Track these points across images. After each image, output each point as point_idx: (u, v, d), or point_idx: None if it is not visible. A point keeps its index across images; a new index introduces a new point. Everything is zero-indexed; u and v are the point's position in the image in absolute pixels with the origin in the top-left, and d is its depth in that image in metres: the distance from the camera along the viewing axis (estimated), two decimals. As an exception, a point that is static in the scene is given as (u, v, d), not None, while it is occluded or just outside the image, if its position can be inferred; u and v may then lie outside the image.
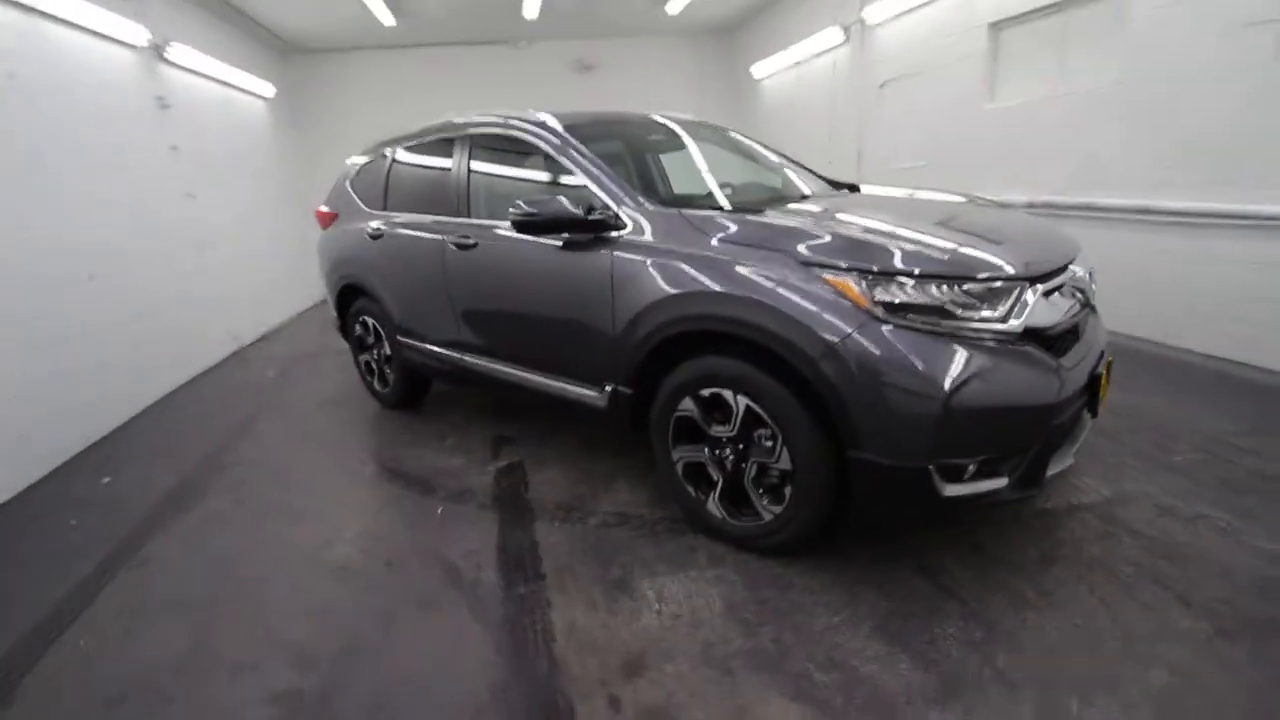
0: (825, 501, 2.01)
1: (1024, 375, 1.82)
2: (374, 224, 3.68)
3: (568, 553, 2.37)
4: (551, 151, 2.71)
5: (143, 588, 2.41)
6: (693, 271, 2.12)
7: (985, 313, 1.83)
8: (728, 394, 2.11)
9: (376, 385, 4.09)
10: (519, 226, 2.51)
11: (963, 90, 5.39)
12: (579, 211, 2.39)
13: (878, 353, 1.78)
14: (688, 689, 1.71)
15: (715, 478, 2.26)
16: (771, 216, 2.25)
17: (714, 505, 2.29)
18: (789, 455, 2.01)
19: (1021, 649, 1.76)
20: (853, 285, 1.84)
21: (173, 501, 3.06)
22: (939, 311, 1.81)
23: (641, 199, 2.42)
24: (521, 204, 2.45)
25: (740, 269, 2.02)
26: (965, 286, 1.83)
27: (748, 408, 2.07)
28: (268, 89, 7.39)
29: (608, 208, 2.43)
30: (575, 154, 2.63)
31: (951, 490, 1.82)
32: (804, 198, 2.80)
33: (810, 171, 3.40)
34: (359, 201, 3.93)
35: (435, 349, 3.41)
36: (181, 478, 3.32)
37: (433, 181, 3.40)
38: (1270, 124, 3.35)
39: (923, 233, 2.01)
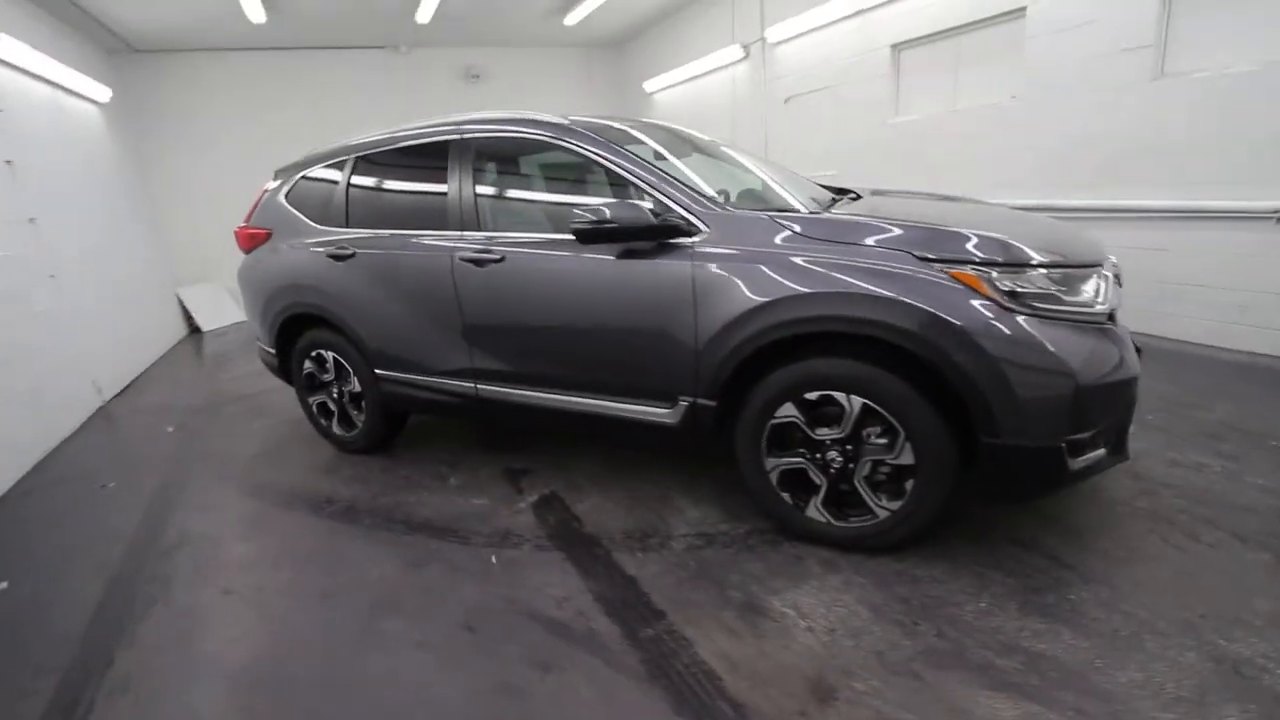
0: (949, 491, 2.05)
1: (1116, 352, 1.99)
2: (335, 243, 3.20)
3: (672, 584, 2.20)
4: (594, 155, 2.52)
5: (142, 713, 1.86)
6: (806, 273, 2.08)
7: (1083, 297, 1.98)
8: (840, 395, 2.09)
9: (337, 429, 3.54)
10: (584, 236, 2.31)
11: (869, 104, 5.90)
12: (650, 217, 2.26)
13: (1012, 340, 1.86)
14: (892, 702, 1.65)
15: (818, 482, 2.23)
16: (867, 215, 2.26)
17: (816, 510, 2.25)
18: (912, 450, 2.03)
19: (1146, 600, 1.92)
20: (977, 278, 1.91)
21: (119, 602, 2.41)
22: (1051, 298, 1.93)
23: (714, 202, 2.33)
24: (587, 211, 2.26)
25: (859, 269, 2.01)
26: (1066, 273, 1.97)
27: (864, 406, 2.07)
28: (102, 93, 6.20)
29: (672, 211, 2.32)
30: (624, 157, 2.47)
31: (1077, 464, 1.94)
32: (834, 201, 2.86)
33: (803, 179, 3.50)
34: (305, 218, 3.40)
35: (435, 380, 3.03)
36: (113, 571, 2.62)
37: (422, 192, 3.04)
38: (1146, 132, 4.03)
39: (1006, 227, 2.15)
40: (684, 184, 2.39)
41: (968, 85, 5.12)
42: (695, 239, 2.28)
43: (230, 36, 7.12)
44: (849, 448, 2.15)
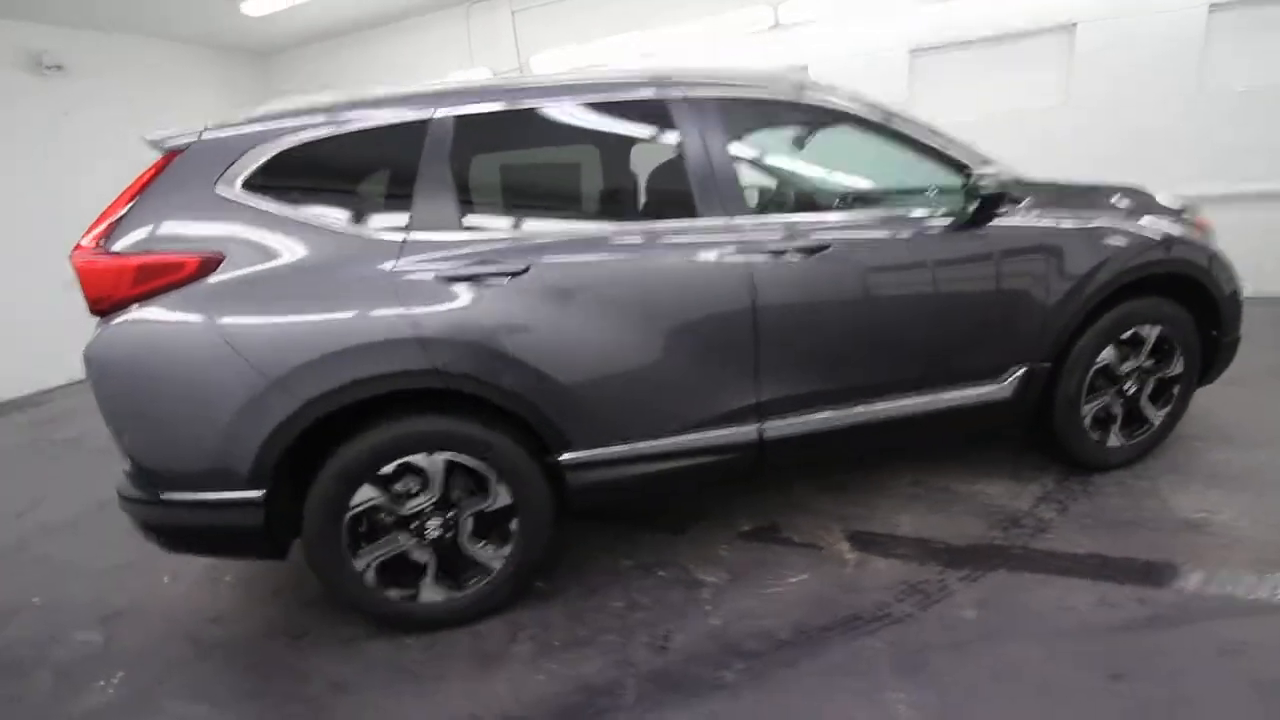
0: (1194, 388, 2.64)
1: None
2: (468, 255, 1.84)
3: (1119, 543, 2.15)
4: (898, 129, 2.24)
5: None
6: (1131, 232, 2.36)
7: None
8: (1146, 329, 2.45)
9: (430, 593, 1.97)
10: (988, 204, 2.07)
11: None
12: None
13: (1231, 266, 2.57)
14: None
15: (1117, 412, 2.53)
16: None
17: (1115, 437, 2.55)
18: (1183, 361, 2.54)
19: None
20: (1205, 223, 2.56)
21: None
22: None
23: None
24: (988, 178, 2.07)
25: (1171, 223, 2.43)
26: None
27: (1160, 336, 2.48)
28: None
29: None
30: (927, 132, 2.27)
31: (1234, 350, 2.78)
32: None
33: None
34: (333, 223, 1.82)
35: (688, 439, 2.06)
36: None
37: (629, 167, 2.06)
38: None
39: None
40: (980, 157, 2.37)
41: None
42: (1021, 205, 2.31)
43: None
44: (1138, 375, 2.54)
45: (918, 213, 2.23)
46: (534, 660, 1.89)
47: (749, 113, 2.24)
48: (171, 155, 1.81)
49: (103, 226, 1.74)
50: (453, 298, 1.82)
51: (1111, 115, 4.83)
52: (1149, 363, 2.52)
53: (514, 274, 1.86)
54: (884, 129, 2.26)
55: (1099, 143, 4.84)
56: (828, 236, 2.10)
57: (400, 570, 1.97)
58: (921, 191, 2.31)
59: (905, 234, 2.20)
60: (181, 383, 1.71)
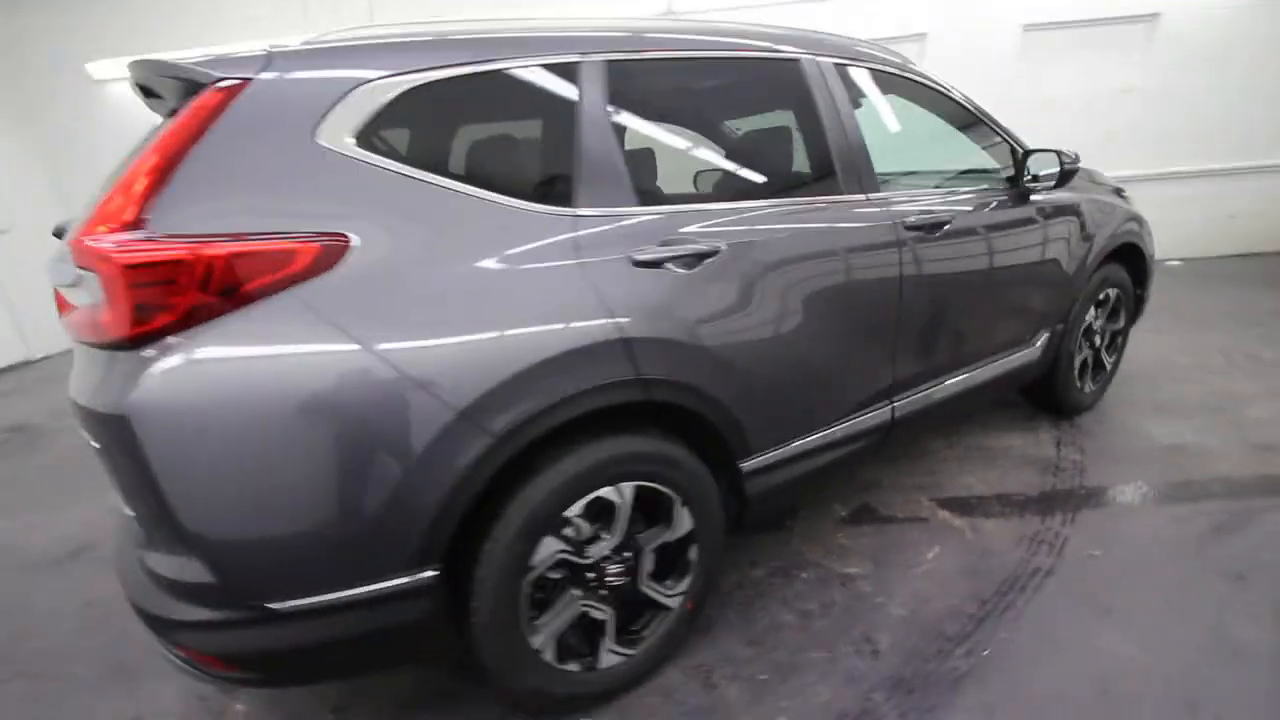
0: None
1: None
2: (655, 236, 1.50)
3: (1120, 471, 2.55)
4: (971, 107, 2.32)
5: None
6: (1117, 204, 2.79)
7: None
8: (1110, 291, 2.91)
9: (613, 654, 1.60)
10: (1066, 178, 2.24)
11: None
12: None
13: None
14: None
15: (1089, 363, 2.98)
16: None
17: (1089, 385, 3.01)
18: (1125, 317, 3.07)
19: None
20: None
21: None
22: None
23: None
24: (1066, 155, 2.25)
25: (1122, 199, 2.88)
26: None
27: (1116, 296, 2.96)
28: None
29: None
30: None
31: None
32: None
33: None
34: (481, 192, 1.35)
35: (840, 428, 1.94)
36: None
37: (769, 135, 1.86)
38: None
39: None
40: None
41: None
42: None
43: None
44: (1101, 329, 3.01)
45: (998, 186, 2.37)
46: (757, 702, 1.63)
47: (880, 84, 2.18)
48: (227, 94, 1.17)
49: (143, 202, 1.05)
50: (649, 287, 1.47)
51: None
52: (1106, 320, 3.01)
53: (704, 256, 1.56)
54: (968, 108, 2.37)
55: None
56: (944, 212, 2.12)
57: (587, 634, 1.57)
58: (983, 168, 2.47)
59: (996, 207, 2.31)
60: (318, 434, 1.12)
